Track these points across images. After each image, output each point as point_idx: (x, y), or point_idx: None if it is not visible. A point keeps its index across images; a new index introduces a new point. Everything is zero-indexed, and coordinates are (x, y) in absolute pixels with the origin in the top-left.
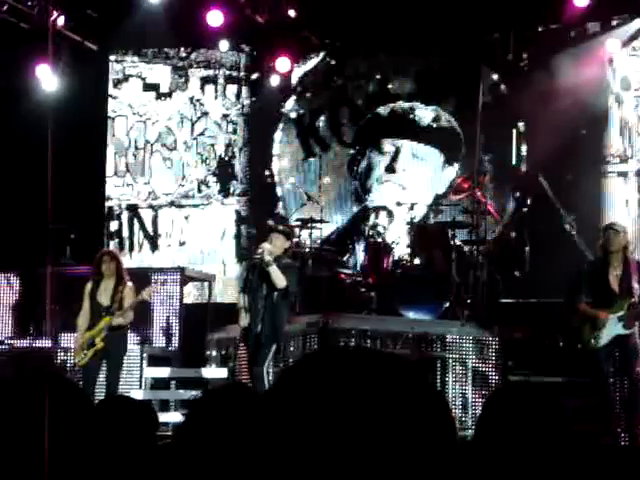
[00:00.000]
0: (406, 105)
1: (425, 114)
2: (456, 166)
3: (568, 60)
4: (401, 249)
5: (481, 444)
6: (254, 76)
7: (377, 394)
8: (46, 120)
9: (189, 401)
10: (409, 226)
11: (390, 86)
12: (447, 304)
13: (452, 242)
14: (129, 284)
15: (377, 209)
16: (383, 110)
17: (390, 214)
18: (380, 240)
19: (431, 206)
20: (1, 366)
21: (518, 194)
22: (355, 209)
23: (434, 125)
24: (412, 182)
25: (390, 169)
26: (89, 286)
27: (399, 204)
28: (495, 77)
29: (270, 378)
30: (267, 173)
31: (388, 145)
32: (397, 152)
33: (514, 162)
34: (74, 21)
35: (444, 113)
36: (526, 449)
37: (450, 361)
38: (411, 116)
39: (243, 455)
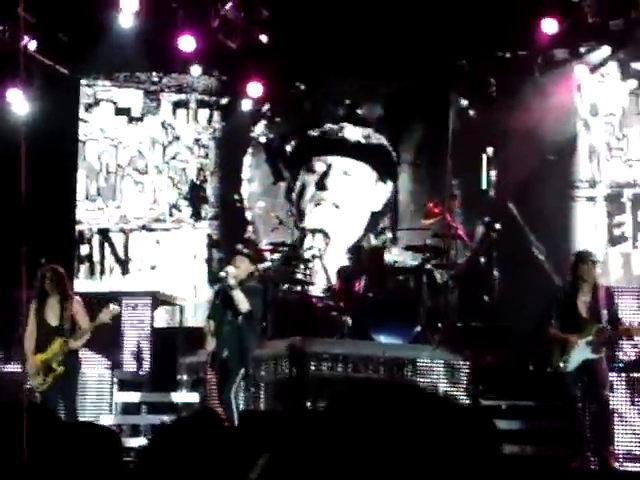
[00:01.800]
0: (335, 126)
1: (354, 132)
2: (390, 185)
3: (537, 86)
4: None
5: None
6: (225, 100)
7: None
8: (17, 144)
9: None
10: (347, 250)
11: (359, 111)
12: (418, 328)
13: (385, 264)
14: (76, 298)
15: (313, 231)
16: (314, 132)
17: (326, 236)
18: (349, 266)
19: (369, 223)
20: None
21: (487, 219)
22: (296, 234)
23: (363, 141)
24: (345, 200)
25: (321, 186)
26: (34, 306)
27: (334, 226)
28: (464, 102)
29: (240, 403)
30: (236, 197)
31: (319, 163)
32: (328, 169)
33: (483, 187)
34: (45, 45)
35: (375, 133)
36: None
37: (421, 386)
38: (340, 134)
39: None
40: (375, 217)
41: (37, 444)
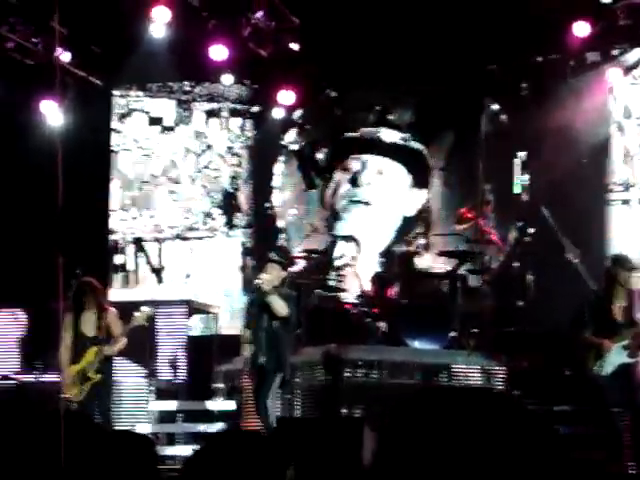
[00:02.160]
0: (373, 129)
1: (391, 134)
2: (424, 192)
3: (569, 90)
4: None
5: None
6: (256, 109)
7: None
8: (51, 155)
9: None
10: (379, 254)
11: (390, 117)
12: (453, 334)
13: (417, 270)
14: (112, 310)
15: (345, 238)
16: (350, 135)
17: (357, 243)
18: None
19: (401, 228)
20: (8, 400)
21: (520, 224)
22: (328, 239)
23: (400, 143)
24: (377, 199)
25: (354, 182)
26: (69, 318)
27: (365, 228)
28: (496, 107)
29: (277, 409)
30: (267, 205)
31: (354, 162)
32: (362, 167)
33: (516, 191)
34: (79, 57)
35: (413, 140)
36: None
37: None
38: (377, 135)
39: None
40: (408, 222)
41: (75, 451)
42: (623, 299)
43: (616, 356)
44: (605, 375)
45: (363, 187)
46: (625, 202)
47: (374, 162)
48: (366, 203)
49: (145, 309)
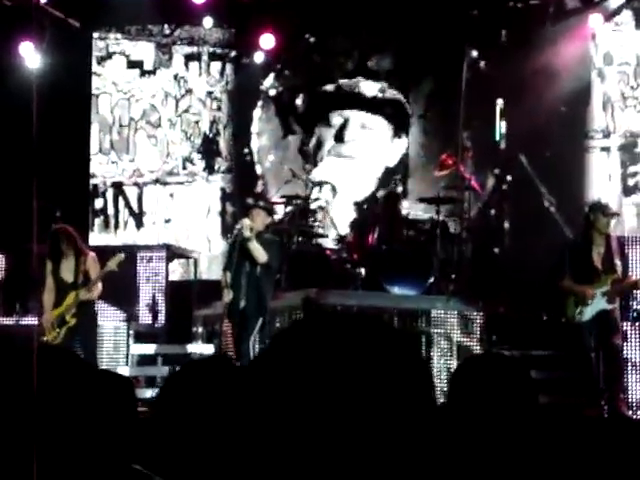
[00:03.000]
0: (351, 80)
1: (370, 86)
2: (404, 139)
3: (549, 36)
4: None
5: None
6: (237, 53)
7: (362, 360)
8: (29, 98)
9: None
10: (355, 205)
11: (369, 63)
12: (432, 279)
13: (399, 214)
14: (91, 254)
15: (320, 184)
16: (329, 87)
17: (333, 188)
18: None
19: (382, 178)
20: None
21: (497, 171)
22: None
23: (380, 95)
24: (360, 153)
25: (339, 138)
26: (50, 265)
27: (345, 179)
28: (475, 54)
29: (256, 354)
30: (246, 151)
31: (336, 117)
32: (345, 122)
33: (496, 138)
34: None
35: (390, 88)
36: (494, 418)
37: (435, 336)
38: (357, 89)
39: (224, 427)
40: (389, 172)
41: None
42: (602, 245)
43: (596, 303)
44: (584, 321)
45: (347, 143)
46: (604, 149)
47: (356, 117)
48: (350, 157)
49: (117, 255)
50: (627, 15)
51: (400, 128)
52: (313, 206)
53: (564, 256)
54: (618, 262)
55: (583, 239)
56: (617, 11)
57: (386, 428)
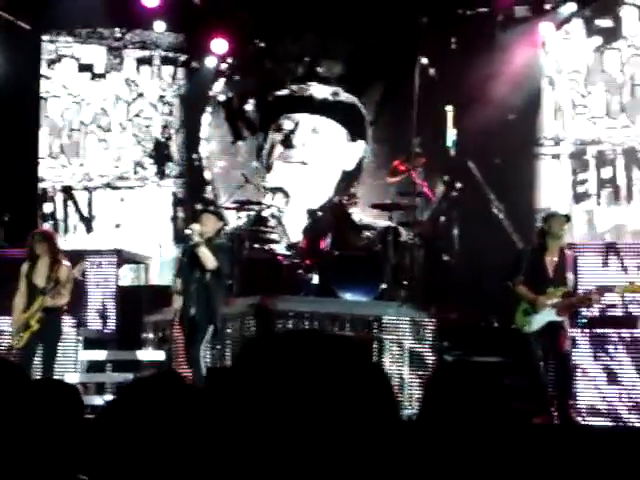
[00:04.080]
0: (303, 85)
1: (321, 89)
2: (362, 143)
3: (498, 44)
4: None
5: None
6: (188, 57)
7: (325, 375)
8: None
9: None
10: (308, 212)
11: (319, 69)
12: (384, 285)
13: (351, 221)
14: (65, 263)
15: (273, 190)
16: (280, 92)
17: (286, 195)
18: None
19: (340, 182)
20: None
21: (447, 178)
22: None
23: (331, 99)
24: (312, 157)
25: (287, 144)
26: (25, 267)
27: (299, 185)
28: (424, 61)
29: (207, 360)
30: (195, 156)
31: (287, 122)
32: (295, 127)
33: (449, 144)
34: (6, 0)
35: (344, 92)
36: (469, 427)
37: (387, 342)
38: (307, 92)
39: (172, 443)
40: (348, 176)
41: None
42: (556, 255)
43: (545, 314)
44: (532, 331)
45: (298, 148)
46: (555, 157)
47: (307, 121)
48: (302, 163)
49: (81, 263)
50: (577, 23)
51: (355, 131)
52: (265, 213)
53: (519, 262)
54: (570, 276)
55: (538, 246)
56: (567, 19)
57: (352, 442)
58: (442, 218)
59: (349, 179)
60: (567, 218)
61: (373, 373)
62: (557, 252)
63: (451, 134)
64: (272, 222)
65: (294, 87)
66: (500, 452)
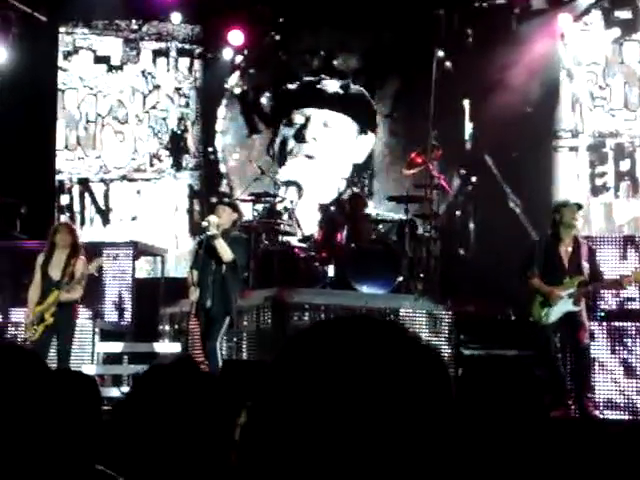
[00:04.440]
0: (313, 78)
1: (332, 83)
2: (371, 135)
3: (516, 36)
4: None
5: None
6: (205, 49)
7: (383, 364)
8: None
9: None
10: (320, 205)
11: (335, 62)
12: (400, 278)
13: (367, 214)
14: (82, 258)
15: (286, 184)
16: (292, 85)
17: (299, 188)
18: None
19: (351, 177)
20: None
21: (463, 172)
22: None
23: (342, 92)
24: (324, 152)
25: (299, 138)
26: (41, 259)
27: (310, 178)
28: (441, 54)
29: (223, 352)
30: (210, 150)
31: (298, 116)
32: (306, 121)
33: (465, 138)
34: None
35: (353, 85)
36: (504, 421)
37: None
38: (318, 86)
39: (189, 429)
40: (358, 169)
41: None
42: (570, 245)
43: (562, 304)
44: (550, 323)
45: (309, 142)
46: (573, 149)
47: (318, 115)
48: (314, 157)
49: (98, 260)
50: (596, 15)
51: (365, 124)
52: (279, 207)
53: (533, 253)
54: (585, 264)
55: (552, 236)
56: (586, 11)
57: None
58: (458, 212)
59: (360, 172)
60: (578, 206)
61: (432, 358)
62: (571, 242)
63: (468, 127)
64: (285, 215)
65: (304, 80)
66: (530, 446)
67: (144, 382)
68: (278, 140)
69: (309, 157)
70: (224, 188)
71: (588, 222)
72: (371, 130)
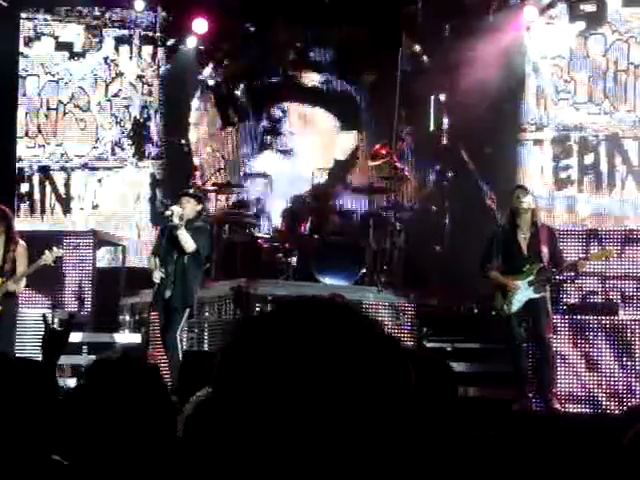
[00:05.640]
0: (292, 72)
1: (313, 77)
2: (355, 133)
3: (487, 29)
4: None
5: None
6: (169, 37)
7: (340, 345)
8: None
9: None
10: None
11: (311, 55)
12: (364, 270)
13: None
14: (21, 243)
15: (256, 175)
16: (269, 79)
17: (270, 181)
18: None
19: (333, 171)
20: None
21: (439, 167)
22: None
23: (323, 87)
24: (300, 146)
25: (275, 132)
26: None
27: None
28: (417, 48)
29: (184, 343)
30: (183, 142)
31: (276, 110)
32: (283, 115)
33: (431, 129)
34: None
35: (337, 79)
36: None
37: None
38: (297, 80)
39: (132, 424)
40: (341, 165)
41: None
42: (528, 231)
43: (523, 293)
44: (512, 313)
45: (287, 136)
46: (538, 142)
47: (296, 109)
48: (290, 150)
49: (55, 250)
50: (561, 8)
51: (348, 121)
52: (248, 198)
53: (491, 244)
54: (545, 250)
55: (508, 225)
56: (551, 4)
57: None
58: (433, 207)
59: (344, 168)
60: (523, 188)
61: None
62: (529, 228)
63: (440, 122)
64: (255, 207)
65: (283, 74)
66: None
67: (89, 376)
68: (255, 132)
69: (284, 151)
70: (197, 181)
71: (551, 215)
72: (354, 127)
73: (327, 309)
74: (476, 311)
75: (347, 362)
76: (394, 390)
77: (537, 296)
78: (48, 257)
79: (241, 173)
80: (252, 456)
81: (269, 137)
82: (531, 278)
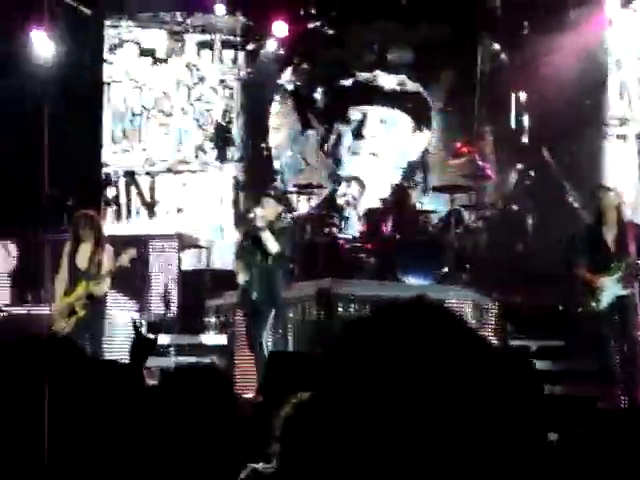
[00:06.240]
0: (369, 74)
1: (389, 79)
2: (427, 133)
3: (567, 25)
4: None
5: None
6: (249, 41)
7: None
8: (41, 86)
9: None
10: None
11: (389, 56)
12: (446, 269)
13: (412, 205)
14: (108, 247)
15: (348, 179)
16: (346, 82)
17: (361, 184)
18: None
19: (405, 172)
20: None
21: (520, 166)
22: (329, 185)
23: (399, 89)
24: (383, 149)
25: (358, 135)
26: (67, 249)
27: (371, 175)
28: (496, 46)
29: (269, 344)
30: (263, 146)
31: (355, 113)
32: (364, 118)
33: (514, 128)
34: None
35: (410, 81)
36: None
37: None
38: (374, 83)
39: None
40: (412, 166)
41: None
42: (614, 228)
43: (611, 290)
44: (601, 310)
45: (367, 139)
46: (621, 137)
47: (375, 112)
48: (373, 154)
49: (128, 251)
50: None
51: (421, 121)
52: (340, 201)
53: (578, 242)
54: (632, 246)
55: (594, 222)
56: None
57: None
58: (515, 207)
59: (413, 170)
60: (607, 185)
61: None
62: (614, 224)
63: (521, 121)
64: (346, 210)
65: (360, 76)
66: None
67: (166, 383)
68: (333, 136)
69: (372, 154)
70: (277, 184)
71: (638, 211)
72: (427, 128)
73: (428, 311)
74: (561, 308)
75: (454, 366)
76: (495, 392)
77: (625, 293)
78: (124, 259)
79: (322, 175)
80: (357, 458)
81: (351, 141)
82: (619, 275)
